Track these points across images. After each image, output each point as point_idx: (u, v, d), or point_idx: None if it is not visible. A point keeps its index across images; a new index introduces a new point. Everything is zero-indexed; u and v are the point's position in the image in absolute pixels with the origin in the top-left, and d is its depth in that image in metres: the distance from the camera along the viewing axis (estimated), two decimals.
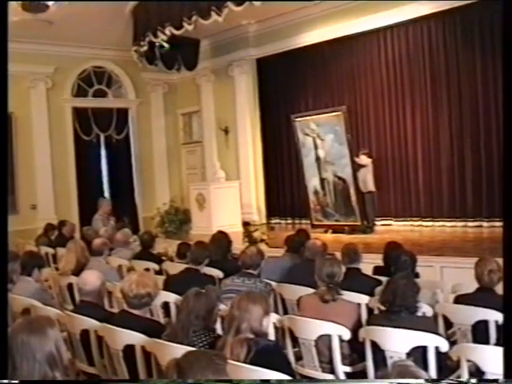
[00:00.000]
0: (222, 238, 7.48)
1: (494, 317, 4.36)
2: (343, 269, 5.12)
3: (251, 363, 3.32)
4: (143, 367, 4.03)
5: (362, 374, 4.23)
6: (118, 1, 11.38)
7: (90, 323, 4.43)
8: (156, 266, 7.35)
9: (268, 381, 3.18)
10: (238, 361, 3.33)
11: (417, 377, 1.96)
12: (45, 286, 6.58)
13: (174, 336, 3.84)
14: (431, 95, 11.63)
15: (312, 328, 4.40)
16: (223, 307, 4.78)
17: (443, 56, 11.38)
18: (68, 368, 4.24)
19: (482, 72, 10.76)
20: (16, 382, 2.98)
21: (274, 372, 3.21)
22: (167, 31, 10.76)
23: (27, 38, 12.64)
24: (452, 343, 4.12)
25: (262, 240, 10.42)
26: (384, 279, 4.93)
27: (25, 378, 2.55)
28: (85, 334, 4.50)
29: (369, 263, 6.48)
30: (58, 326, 3.08)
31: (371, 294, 5.22)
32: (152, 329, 4.11)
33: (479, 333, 4.44)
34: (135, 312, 4.30)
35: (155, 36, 11.10)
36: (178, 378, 2.19)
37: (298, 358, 4.62)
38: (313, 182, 11.86)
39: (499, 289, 4.49)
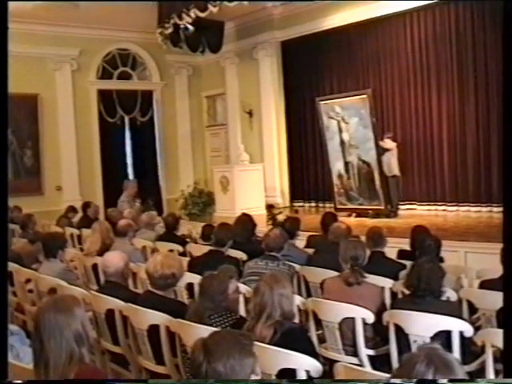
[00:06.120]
0: (246, 221, 7.45)
1: None
2: (368, 252, 5.10)
3: (276, 345, 3.33)
4: (167, 347, 4.07)
5: (386, 358, 4.23)
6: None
7: (115, 303, 4.46)
8: (180, 248, 7.38)
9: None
10: (263, 342, 3.34)
11: (445, 360, 1.95)
12: (70, 267, 6.64)
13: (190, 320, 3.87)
14: (457, 79, 11.48)
15: (336, 311, 4.40)
16: (245, 288, 4.81)
17: (470, 38, 11.22)
18: (93, 346, 4.33)
19: None
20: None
21: (299, 354, 3.22)
22: (192, 13, 10.77)
23: (53, 20, 12.75)
24: (476, 328, 4.09)
25: None
26: (408, 263, 4.90)
27: (52, 355, 2.59)
28: (110, 313, 4.54)
29: (392, 247, 6.46)
30: (84, 306, 3.11)
31: (395, 278, 5.20)
32: (176, 309, 4.13)
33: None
34: (160, 293, 4.33)
35: (180, 18, 11.11)
36: (205, 357, 2.21)
37: (322, 340, 4.62)
38: (337, 166, 11.81)
39: None
